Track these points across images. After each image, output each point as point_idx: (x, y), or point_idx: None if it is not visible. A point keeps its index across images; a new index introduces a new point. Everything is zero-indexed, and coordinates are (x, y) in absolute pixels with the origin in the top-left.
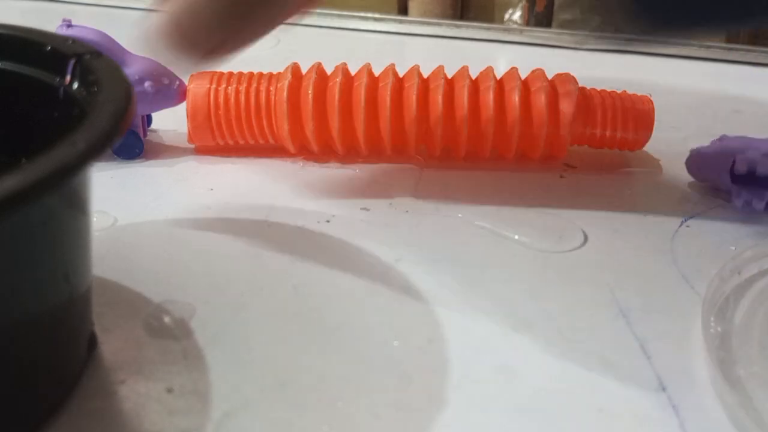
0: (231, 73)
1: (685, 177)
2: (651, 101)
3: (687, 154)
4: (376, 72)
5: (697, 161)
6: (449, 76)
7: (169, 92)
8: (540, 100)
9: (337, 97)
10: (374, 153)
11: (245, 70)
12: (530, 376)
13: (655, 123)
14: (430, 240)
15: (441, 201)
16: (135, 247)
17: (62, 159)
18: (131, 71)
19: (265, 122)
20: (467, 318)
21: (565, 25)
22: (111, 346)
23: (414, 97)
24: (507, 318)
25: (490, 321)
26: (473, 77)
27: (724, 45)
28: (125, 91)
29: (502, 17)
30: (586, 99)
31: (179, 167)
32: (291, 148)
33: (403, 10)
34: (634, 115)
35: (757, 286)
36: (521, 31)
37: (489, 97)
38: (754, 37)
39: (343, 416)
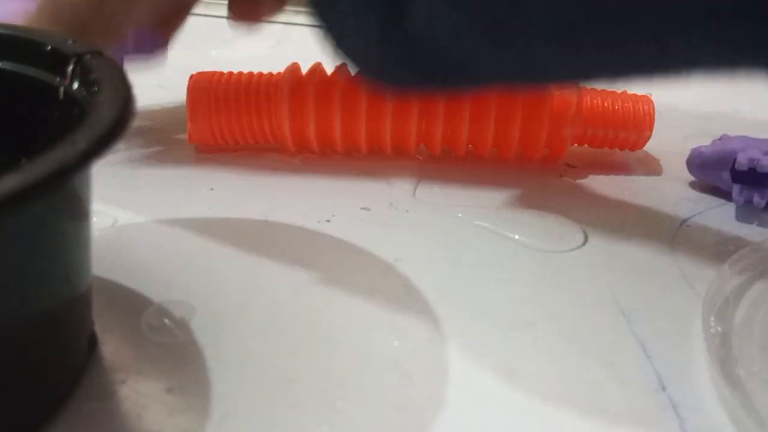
0: (231, 73)
1: (685, 177)
2: (651, 101)
3: (687, 154)
4: None
5: (698, 160)
6: None
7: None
8: (540, 100)
9: (337, 96)
10: (374, 153)
11: (245, 70)
12: (530, 376)
13: (655, 123)
14: (430, 240)
15: (441, 201)
16: (135, 247)
17: (62, 159)
18: None
19: (265, 122)
20: (467, 318)
21: None
22: (111, 346)
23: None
24: (507, 318)
25: (490, 321)
26: None
27: None
28: (125, 91)
29: None
30: (586, 98)
31: (179, 167)
32: (291, 147)
33: None
34: (634, 115)
35: (757, 286)
36: None
37: (489, 97)
38: None
39: (343, 416)
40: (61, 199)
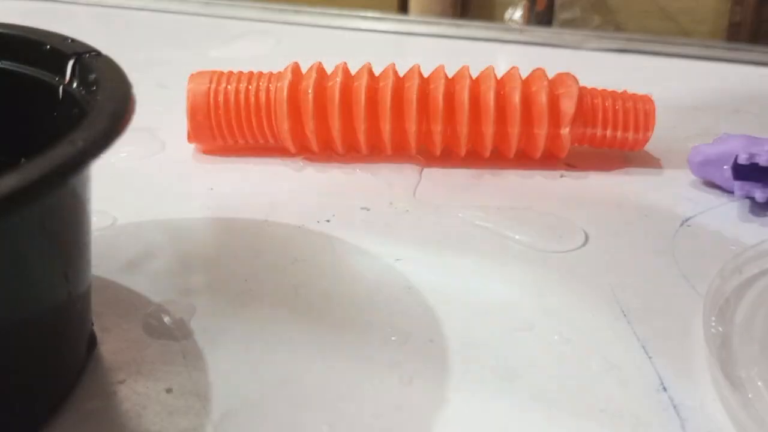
0: (231, 73)
1: (686, 177)
2: (652, 101)
3: (687, 154)
4: (377, 71)
5: (700, 158)
6: (450, 76)
7: None
8: (540, 100)
9: (337, 96)
10: (374, 153)
11: (245, 70)
12: (530, 376)
13: (656, 123)
14: (430, 240)
15: (441, 201)
16: (135, 247)
17: (61, 158)
18: None
19: (265, 122)
20: (467, 318)
21: (565, 24)
22: (111, 346)
23: (414, 97)
24: (507, 318)
25: (490, 321)
26: (474, 77)
27: (725, 44)
28: (125, 91)
29: (503, 16)
30: (586, 98)
31: (179, 167)
32: (291, 147)
33: (404, 9)
34: (634, 115)
35: (757, 286)
36: (522, 31)
37: (489, 97)
38: (755, 37)
39: (343, 416)
40: (61, 199)
